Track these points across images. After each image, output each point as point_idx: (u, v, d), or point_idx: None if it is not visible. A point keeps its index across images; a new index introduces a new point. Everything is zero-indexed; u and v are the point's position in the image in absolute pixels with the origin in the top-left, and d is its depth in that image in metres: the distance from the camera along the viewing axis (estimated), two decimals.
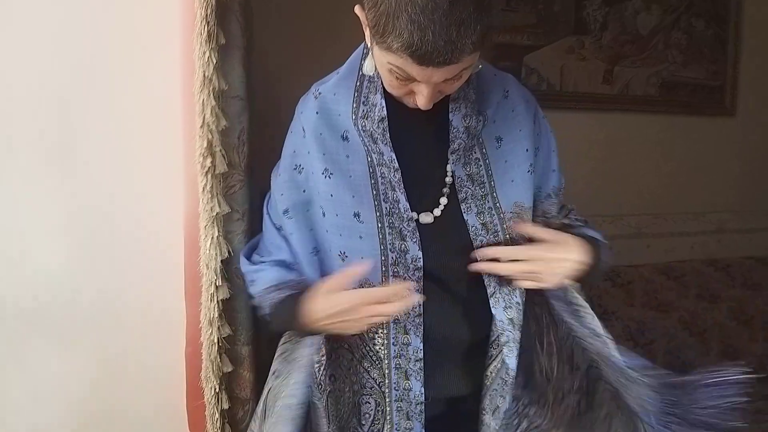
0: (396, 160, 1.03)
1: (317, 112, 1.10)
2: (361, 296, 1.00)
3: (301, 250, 1.11)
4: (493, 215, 1.07)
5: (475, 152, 1.08)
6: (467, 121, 1.05)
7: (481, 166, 1.08)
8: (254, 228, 1.27)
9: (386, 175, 1.04)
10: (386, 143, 1.03)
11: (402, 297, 0.99)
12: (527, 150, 1.12)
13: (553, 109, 1.15)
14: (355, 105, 1.06)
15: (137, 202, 1.35)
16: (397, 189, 1.04)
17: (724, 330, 2.57)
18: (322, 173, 1.07)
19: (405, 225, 1.04)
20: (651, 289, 2.56)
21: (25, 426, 1.32)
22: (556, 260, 1.04)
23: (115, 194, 1.34)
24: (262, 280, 1.14)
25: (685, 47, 2.65)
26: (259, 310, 1.17)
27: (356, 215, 1.05)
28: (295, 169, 1.13)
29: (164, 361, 1.37)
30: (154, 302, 1.38)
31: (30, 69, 1.27)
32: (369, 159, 1.06)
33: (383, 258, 1.04)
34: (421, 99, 0.93)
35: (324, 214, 1.08)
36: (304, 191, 1.12)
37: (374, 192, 1.05)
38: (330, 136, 1.08)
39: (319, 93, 1.11)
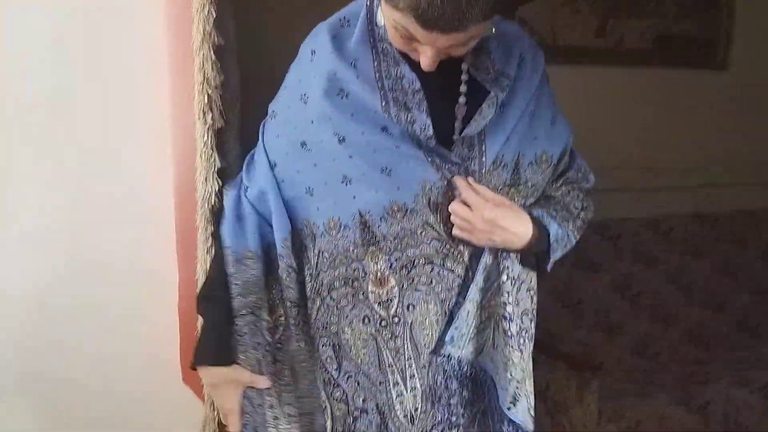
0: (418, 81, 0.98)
1: (333, 37, 1.03)
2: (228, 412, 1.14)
3: (292, 192, 1.06)
4: (476, 175, 1.02)
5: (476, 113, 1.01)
6: (480, 76, 1.01)
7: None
8: None
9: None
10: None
11: None
12: (528, 113, 1.07)
13: (545, 63, 1.13)
14: (374, 55, 1.01)
15: (126, 160, 1.36)
16: (414, 110, 0.98)
17: (710, 283, 2.62)
18: (338, 94, 1.00)
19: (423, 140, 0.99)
20: (638, 242, 2.59)
21: None
22: (496, 226, 1.00)
23: (104, 151, 1.34)
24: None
25: (680, 0, 2.62)
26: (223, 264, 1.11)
27: (384, 129, 0.99)
28: (301, 99, 1.04)
29: (157, 315, 1.39)
30: (144, 258, 1.39)
31: (22, 21, 1.25)
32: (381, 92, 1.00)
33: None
34: (425, 60, 0.91)
35: (341, 140, 1.00)
36: (312, 122, 1.02)
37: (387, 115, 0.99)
38: (342, 60, 1.01)
39: (332, 27, 1.05)
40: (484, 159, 1.02)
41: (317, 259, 1.06)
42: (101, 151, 1.34)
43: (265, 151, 1.09)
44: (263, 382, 1.09)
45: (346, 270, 1.04)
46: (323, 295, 1.06)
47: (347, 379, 1.08)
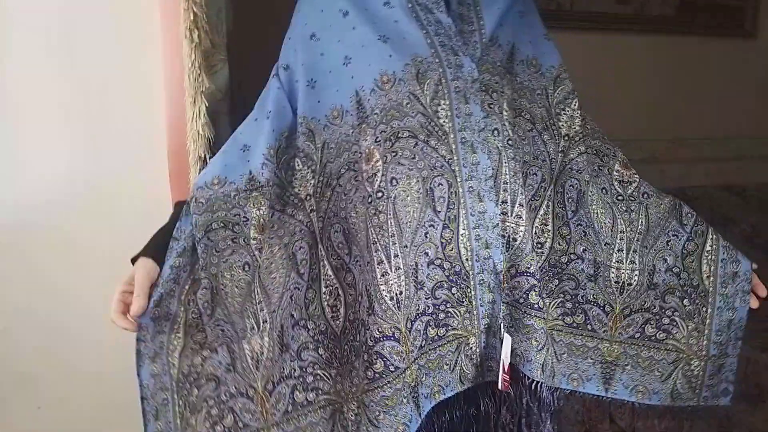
0: None
1: None
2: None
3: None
4: (477, 48, 1.06)
5: None
6: None
7: (470, 7, 1.08)
8: (236, 110, 1.25)
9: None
10: None
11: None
12: (518, 9, 1.13)
13: (563, 30, 1.14)
14: None
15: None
16: (436, 11, 1.04)
17: None
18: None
19: (455, 42, 1.05)
20: None
21: None
22: None
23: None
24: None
25: None
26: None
27: (386, 4, 1.04)
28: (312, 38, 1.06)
29: None
30: (139, 185, 1.42)
31: None
32: None
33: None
34: None
35: (345, 14, 1.04)
36: (321, 10, 1.06)
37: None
38: None
39: None
40: (484, 31, 1.08)
41: (321, 153, 1.07)
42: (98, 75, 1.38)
43: (277, 68, 1.09)
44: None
45: (349, 155, 1.06)
46: (333, 185, 1.07)
47: (356, 263, 1.07)
